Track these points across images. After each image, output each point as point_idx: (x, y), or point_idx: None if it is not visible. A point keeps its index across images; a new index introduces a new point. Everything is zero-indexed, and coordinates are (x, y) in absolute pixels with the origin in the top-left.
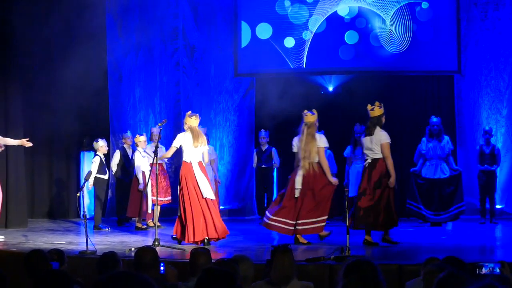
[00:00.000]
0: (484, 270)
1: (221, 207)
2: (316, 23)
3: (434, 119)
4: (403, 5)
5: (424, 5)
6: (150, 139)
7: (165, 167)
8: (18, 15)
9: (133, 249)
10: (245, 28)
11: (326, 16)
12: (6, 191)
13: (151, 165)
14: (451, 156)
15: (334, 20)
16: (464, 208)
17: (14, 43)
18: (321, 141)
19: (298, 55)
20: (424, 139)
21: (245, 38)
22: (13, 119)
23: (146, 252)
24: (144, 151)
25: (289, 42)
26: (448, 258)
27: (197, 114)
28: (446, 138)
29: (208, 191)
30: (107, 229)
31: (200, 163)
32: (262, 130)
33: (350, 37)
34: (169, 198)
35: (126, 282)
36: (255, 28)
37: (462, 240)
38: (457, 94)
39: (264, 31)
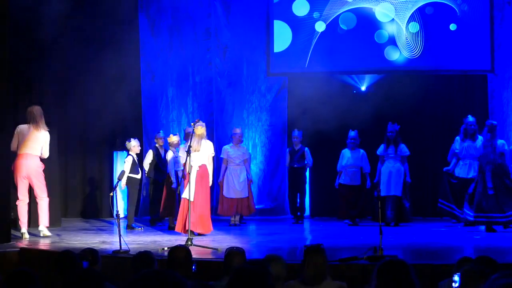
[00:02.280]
0: None
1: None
2: (347, 20)
3: (470, 118)
4: (436, 3)
5: (459, 11)
6: (184, 139)
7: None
8: (51, 16)
9: (166, 248)
10: (278, 27)
11: (357, 13)
12: None
13: (184, 164)
14: None
15: (364, 18)
16: None
17: (48, 47)
18: (503, 146)
19: (330, 54)
20: (458, 138)
21: (279, 37)
22: (47, 119)
23: (179, 251)
24: (177, 152)
25: (320, 26)
26: (480, 258)
27: (198, 119)
28: (480, 137)
29: (185, 193)
30: (140, 228)
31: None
32: (295, 129)
33: (380, 36)
34: None
35: (159, 281)
36: (291, 5)
37: (495, 240)
38: (491, 93)
39: (301, 6)
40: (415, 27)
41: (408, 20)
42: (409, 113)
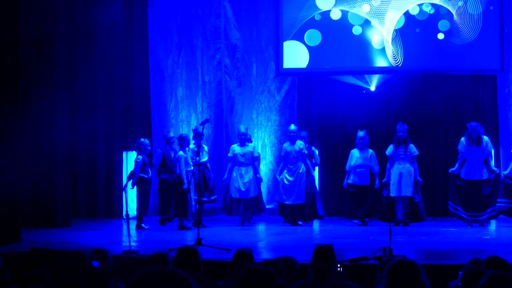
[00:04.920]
0: None
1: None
2: (355, 19)
3: (474, 124)
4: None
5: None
6: (193, 139)
7: (208, 167)
8: (60, 13)
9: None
10: (293, 48)
11: (364, 13)
12: (51, 190)
13: (195, 164)
14: (491, 157)
15: (374, 17)
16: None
17: (58, 43)
18: None
19: (339, 54)
20: (463, 139)
21: (289, 55)
22: (56, 120)
23: (187, 252)
24: (187, 151)
25: (336, 14)
26: (490, 259)
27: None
28: (486, 139)
29: None
30: (149, 228)
31: None
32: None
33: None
34: (214, 197)
35: (162, 278)
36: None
37: (505, 240)
38: (500, 93)
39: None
40: (423, 27)
41: (414, 20)
42: (419, 113)
